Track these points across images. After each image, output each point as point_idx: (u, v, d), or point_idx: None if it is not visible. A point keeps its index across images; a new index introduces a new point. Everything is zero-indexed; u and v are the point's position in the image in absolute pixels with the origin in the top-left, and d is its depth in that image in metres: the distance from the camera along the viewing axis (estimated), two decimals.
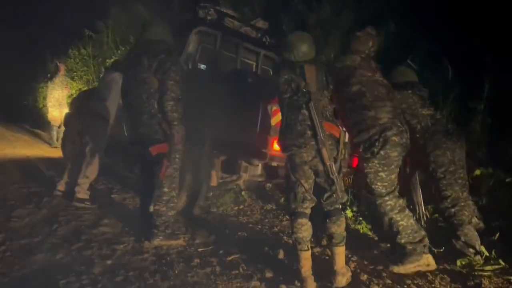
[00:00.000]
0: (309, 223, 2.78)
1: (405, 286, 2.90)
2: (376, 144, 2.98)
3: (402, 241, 3.03)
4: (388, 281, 2.95)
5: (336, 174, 2.75)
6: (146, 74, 3.18)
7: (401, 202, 3.07)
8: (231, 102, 3.81)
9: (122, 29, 11.22)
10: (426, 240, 3.07)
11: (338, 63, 3.17)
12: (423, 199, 3.69)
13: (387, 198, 3.03)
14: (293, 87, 2.81)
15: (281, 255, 3.24)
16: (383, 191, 3.03)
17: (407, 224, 3.03)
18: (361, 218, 4.33)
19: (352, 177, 4.71)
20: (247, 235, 3.76)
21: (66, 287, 2.47)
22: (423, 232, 3.07)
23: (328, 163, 2.71)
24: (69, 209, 3.98)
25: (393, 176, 3.05)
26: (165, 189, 3.25)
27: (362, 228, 4.16)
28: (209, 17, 4.73)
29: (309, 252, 2.78)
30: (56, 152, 7.04)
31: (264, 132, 3.55)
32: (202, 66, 4.69)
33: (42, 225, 3.52)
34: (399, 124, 3.05)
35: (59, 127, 8.11)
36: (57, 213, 3.82)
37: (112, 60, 9.87)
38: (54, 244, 3.13)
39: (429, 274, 3.09)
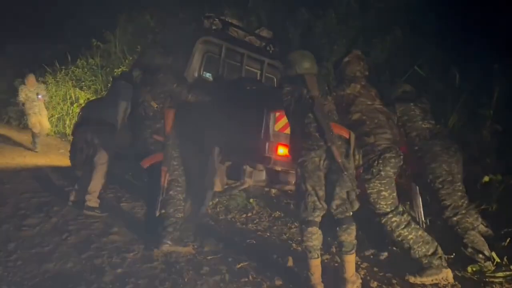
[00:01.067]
0: (320, 232, 2.77)
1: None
2: (375, 164, 3.05)
3: (416, 255, 3.02)
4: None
5: (351, 171, 2.75)
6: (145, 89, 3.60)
7: (406, 216, 3.09)
8: (235, 109, 3.86)
9: (130, 38, 11.36)
10: (440, 251, 3.04)
11: (339, 90, 3.22)
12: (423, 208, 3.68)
13: (391, 215, 3.05)
14: (296, 96, 2.89)
15: (290, 262, 3.23)
16: (388, 209, 3.06)
17: (416, 238, 3.02)
18: None
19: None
20: (256, 242, 3.76)
21: None
22: (435, 243, 3.05)
23: (339, 160, 2.68)
24: (79, 218, 4.01)
25: (394, 194, 3.11)
26: (171, 192, 3.36)
27: None
28: (214, 27, 4.83)
29: (319, 260, 2.77)
30: (65, 161, 7.10)
31: (268, 137, 3.57)
32: (208, 75, 4.77)
33: (52, 234, 3.56)
34: (397, 148, 3.15)
35: (38, 133, 8.54)
36: (67, 222, 3.86)
37: (120, 69, 10.00)
38: (64, 253, 3.16)
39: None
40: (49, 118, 11.82)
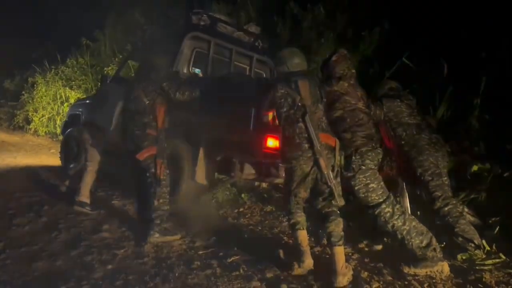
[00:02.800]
0: (304, 215, 2.98)
1: (406, 283, 2.90)
2: (354, 159, 3.12)
3: (410, 246, 3.04)
4: (389, 278, 2.95)
5: (334, 182, 2.88)
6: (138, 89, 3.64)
7: (399, 207, 3.14)
8: (224, 102, 3.87)
9: (119, 37, 11.29)
10: (435, 243, 3.05)
11: (327, 86, 3.28)
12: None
13: (384, 206, 3.08)
14: (289, 102, 2.97)
15: (281, 255, 3.23)
16: (380, 200, 3.10)
17: (410, 228, 3.05)
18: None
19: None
20: (247, 236, 3.77)
21: None
22: (429, 235, 3.06)
23: (325, 172, 2.84)
24: (69, 216, 3.98)
25: (382, 183, 3.16)
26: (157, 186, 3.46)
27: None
28: (202, 23, 4.84)
29: (305, 231, 2.96)
30: (56, 161, 7.06)
31: (257, 129, 3.58)
32: (197, 70, 4.80)
33: (42, 232, 3.53)
34: (373, 143, 3.22)
35: None
36: (57, 221, 3.83)
37: (110, 67, 9.94)
38: (54, 251, 3.14)
39: None
40: (39, 118, 11.78)
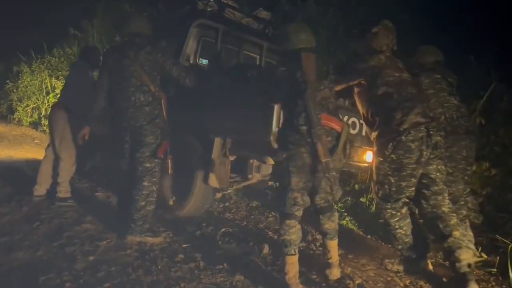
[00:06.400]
0: (299, 226, 2.58)
1: (389, 279, 2.93)
2: (389, 146, 2.79)
3: (399, 247, 2.96)
4: (372, 274, 2.98)
5: (334, 173, 2.58)
6: (133, 67, 3.17)
7: (404, 211, 2.92)
8: (241, 98, 3.49)
9: (108, 28, 11.12)
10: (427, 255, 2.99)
11: (361, 63, 2.94)
12: None
13: (388, 205, 2.90)
14: (289, 77, 2.61)
15: (266, 250, 3.23)
16: (388, 196, 2.88)
17: (406, 234, 2.91)
18: (346, 214, 4.35)
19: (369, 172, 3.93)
20: (232, 231, 3.75)
21: (46, 283, 2.44)
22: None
23: (323, 160, 2.46)
24: (51, 207, 3.90)
25: (402, 184, 2.82)
26: (145, 183, 3.19)
27: (347, 223, 4.18)
28: (209, 9, 4.39)
29: (296, 257, 2.57)
30: (40, 152, 6.94)
31: (278, 128, 3.07)
32: (204, 61, 4.39)
33: (23, 223, 3.45)
34: (422, 128, 2.75)
35: None
36: (39, 211, 3.75)
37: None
38: (35, 242, 3.07)
39: None
40: (23, 108, 11.56)
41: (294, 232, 2.54)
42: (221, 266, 2.86)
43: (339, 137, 2.60)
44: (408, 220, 2.93)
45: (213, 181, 3.54)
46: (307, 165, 2.54)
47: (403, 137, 2.72)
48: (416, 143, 2.72)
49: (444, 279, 2.98)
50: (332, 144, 2.58)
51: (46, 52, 12.07)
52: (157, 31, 4.88)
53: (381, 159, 2.85)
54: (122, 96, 3.22)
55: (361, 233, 3.94)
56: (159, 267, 2.78)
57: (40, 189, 4.17)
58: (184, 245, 3.24)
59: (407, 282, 2.93)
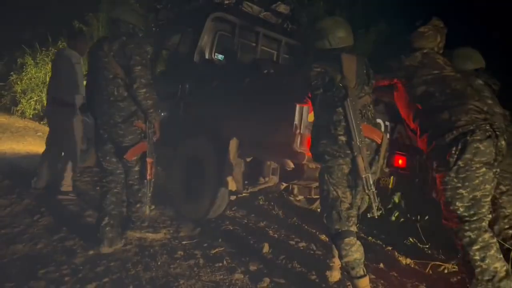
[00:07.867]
0: (359, 242, 2.32)
1: (389, 281, 2.91)
2: (452, 152, 2.31)
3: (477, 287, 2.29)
4: (372, 276, 2.96)
5: (373, 189, 2.30)
6: (106, 58, 2.90)
7: (487, 236, 2.29)
8: (259, 97, 3.35)
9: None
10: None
11: (395, 63, 2.64)
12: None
13: (467, 227, 2.30)
14: (327, 81, 2.37)
15: (266, 248, 3.22)
16: (465, 214, 2.31)
17: (487, 268, 2.25)
18: None
19: (392, 178, 3.59)
20: (232, 229, 3.74)
21: (45, 276, 2.44)
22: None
23: (363, 176, 2.27)
24: (52, 200, 3.91)
25: (477, 194, 2.30)
26: (137, 186, 3.08)
27: None
28: (226, 2, 4.24)
29: (367, 279, 2.29)
30: (43, 144, 6.95)
31: (300, 130, 2.96)
32: (220, 57, 4.24)
33: (23, 215, 3.46)
34: (487, 127, 2.33)
35: None
36: (39, 204, 3.75)
37: None
38: (35, 234, 3.08)
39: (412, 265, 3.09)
40: (27, 101, 11.57)
41: (356, 250, 2.29)
42: (220, 264, 2.86)
43: (378, 149, 2.42)
44: (493, 252, 2.28)
45: (230, 184, 3.38)
46: (346, 176, 2.35)
47: (469, 138, 2.29)
48: (485, 143, 2.30)
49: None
50: (371, 157, 2.40)
51: (50, 45, 12.06)
52: (170, 23, 4.86)
53: (443, 169, 2.37)
54: (97, 89, 2.99)
55: (362, 234, 3.90)
56: (159, 263, 2.77)
57: (40, 182, 4.18)
58: (184, 242, 3.23)
59: (408, 285, 2.92)
